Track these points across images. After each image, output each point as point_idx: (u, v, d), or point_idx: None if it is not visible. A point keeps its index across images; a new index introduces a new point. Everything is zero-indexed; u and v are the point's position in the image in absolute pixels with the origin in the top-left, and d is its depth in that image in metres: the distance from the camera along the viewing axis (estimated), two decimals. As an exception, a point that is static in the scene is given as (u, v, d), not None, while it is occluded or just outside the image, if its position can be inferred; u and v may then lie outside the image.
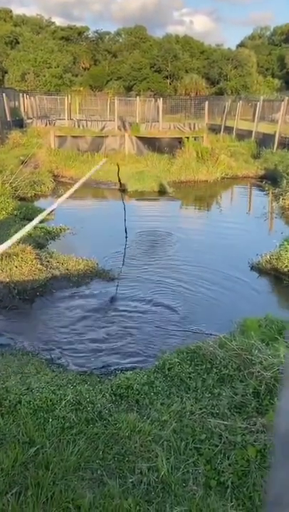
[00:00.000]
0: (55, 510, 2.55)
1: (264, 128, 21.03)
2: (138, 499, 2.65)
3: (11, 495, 2.64)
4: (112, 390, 3.77)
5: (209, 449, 3.05)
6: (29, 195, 12.32)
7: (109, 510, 2.56)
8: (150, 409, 3.52)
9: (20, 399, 3.52)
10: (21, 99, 29.81)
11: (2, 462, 2.86)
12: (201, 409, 3.47)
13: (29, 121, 26.08)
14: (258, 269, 7.47)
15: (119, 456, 3.00)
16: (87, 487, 2.76)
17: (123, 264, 7.45)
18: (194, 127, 23.36)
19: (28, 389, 3.76)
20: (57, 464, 2.88)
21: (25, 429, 3.17)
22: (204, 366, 4.06)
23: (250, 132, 21.49)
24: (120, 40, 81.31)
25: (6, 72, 66.92)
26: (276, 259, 7.30)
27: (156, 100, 30.21)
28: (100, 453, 3.01)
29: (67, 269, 7.06)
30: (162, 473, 2.84)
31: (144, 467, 2.89)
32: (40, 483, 2.72)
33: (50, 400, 3.53)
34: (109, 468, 2.91)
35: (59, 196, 13.27)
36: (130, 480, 2.81)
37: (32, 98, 33.02)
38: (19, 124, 25.13)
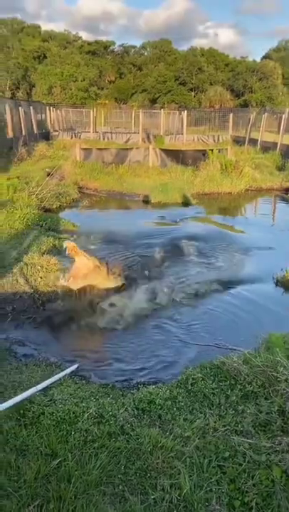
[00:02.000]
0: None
1: (289, 140, 20.89)
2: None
3: (33, 507, 2.65)
4: (134, 404, 3.75)
5: (233, 467, 3.00)
6: (54, 206, 12.51)
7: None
8: (173, 424, 3.48)
9: (43, 410, 3.54)
10: (48, 112, 30.49)
11: (25, 474, 2.88)
12: (224, 426, 3.42)
13: (55, 133, 26.63)
14: (282, 284, 7.36)
15: (141, 472, 2.97)
16: (108, 502, 2.74)
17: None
18: (218, 139, 23.40)
19: (51, 400, 3.78)
20: (79, 477, 2.88)
21: (48, 441, 3.18)
22: (228, 382, 4.00)
23: (275, 144, 21.37)
24: (145, 54, 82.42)
25: (33, 86, 68.60)
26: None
27: (180, 113, 30.41)
28: (122, 468, 2.99)
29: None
30: (185, 490, 2.80)
31: (167, 484, 2.86)
32: (62, 496, 2.72)
33: (73, 413, 3.54)
34: (131, 483, 2.89)
35: (83, 207, 13.51)
36: (152, 497, 2.78)
37: (58, 111, 33.75)
38: (45, 136, 25.70)
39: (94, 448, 3.16)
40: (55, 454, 3.08)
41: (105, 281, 6.34)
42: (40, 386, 3.58)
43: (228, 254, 9.03)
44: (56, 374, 4.02)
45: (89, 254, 6.38)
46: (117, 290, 6.63)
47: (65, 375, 4.11)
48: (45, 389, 3.88)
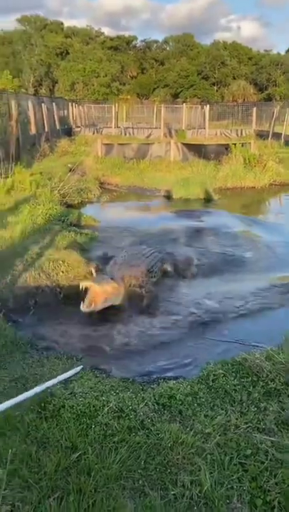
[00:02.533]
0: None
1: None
2: None
3: (53, 499, 2.65)
4: (154, 398, 3.73)
5: (255, 465, 2.94)
6: (76, 201, 12.57)
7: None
8: (193, 420, 3.44)
9: (63, 403, 3.55)
10: (70, 108, 30.64)
11: (45, 466, 2.89)
12: (246, 423, 3.36)
13: (77, 129, 26.77)
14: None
15: (161, 467, 2.95)
16: (128, 496, 2.73)
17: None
18: (241, 133, 23.10)
19: (71, 393, 3.79)
20: (99, 471, 2.87)
21: (68, 434, 3.19)
22: (250, 379, 3.94)
23: (299, 138, 20.97)
24: (168, 48, 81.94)
25: (56, 82, 69.11)
26: None
27: (202, 107, 30.13)
28: (142, 463, 2.98)
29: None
30: (205, 487, 2.76)
31: (187, 480, 2.83)
32: (82, 489, 2.72)
33: (93, 406, 3.54)
34: (150, 478, 2.87)
35: (104, 202, 13.54)
36: (172, 492, 2.75)
37: (80, 107, 33.90)
38: (68, 132, 25.85)
39: (114, 442, 3.15)
40: (75, 447, 3.08)
41: (125, 297, 6.24)
42: (38, 388, 3.57)
43: (254, 250, 8.90)
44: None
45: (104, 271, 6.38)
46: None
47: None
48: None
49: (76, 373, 4.20)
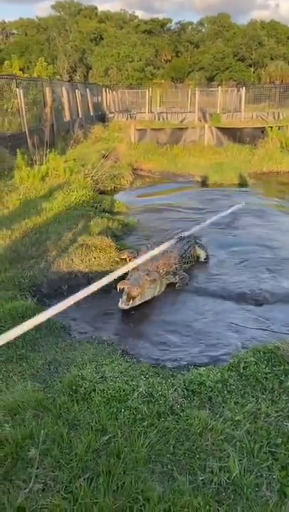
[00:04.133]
0: (125, 500, 2.58)
1: None
2: (208, 498, 2.59)
3: (84, 480, 2.72)
4: (184, 384, 3.73)
5: (285, 454, 2.91)
6: (109, 188, 12.62)
7: (179, 506, 2.53)
8: (223, 407, 3.43)
9: (94, 387, 3.61)
10: (104, 93, 30.60)
11: (76, 447, 2.96)
12: (277, 411, 3.32)
13: (111, 115, 26.73)
14: None
15: (190, 453, 2.96)
16: (156, 480, 2.76)
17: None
18: (279, 116, 22.41)
19: (102, 377, 3.84)
20: (128, 454, 2.91)
21: (99, 417, 3.24)
22: (282, 367, 3.87)
23: None
24: (203, 30, 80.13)
25: (90, 68, 69.10)
26: None
27: (238, 90, 29.40)
28: (171, 448, 2.99)
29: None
30: (234, 474, 2.75)
31: (216, 466, 2.83)
32: (112, 471, 2.76)
33: (124, 390, 3.58)
34: (179, 463, 2.89)
35: (137, 189, 13.50)
36: (201, 478, 2.76)
37: (114, 92, 33.80)
38: (101, 118, 25.87)
39: (143, 426, 3.18)
40: (105, 430, 3.13)
41: (162, 288, 6.29)
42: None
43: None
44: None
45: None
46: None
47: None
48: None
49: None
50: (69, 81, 45.84)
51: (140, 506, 2.56)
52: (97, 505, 2.53)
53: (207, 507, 2.54)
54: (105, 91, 31.15)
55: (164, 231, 8.14)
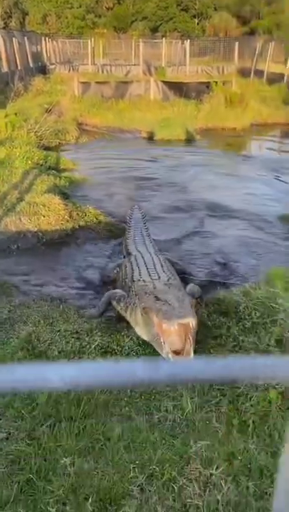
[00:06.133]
0: (87, 441, 2.75)
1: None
2: (164, 434, 2.83)
3: (46, 426, 2.85)
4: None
5: (232, 390, 3.19)
6: (54, 144, 12.23)
7: (137, 442, 2.75)
8: (176, 353, 3.65)
9: (51, 342, 3.71)
10: (43, 43, 28.87)
11: (37, 398, 3.07)
12: (225, 355, 3.59)
13: (52, 66, 25.37)
14: (286, 221, 7.38)
15: (146, 395, 3.17)
16: (116, 421, 2.95)
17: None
18: (223, 71, 22.33)
19: (58, 333, 3.94)
20: (87, 401, 3.08)
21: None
22: (229, 315, 4.14)
23: (282, 76, 20.35)
24: (146, -24, 76.47)
25: (26, 14, 64.47)
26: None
27: (183, 42, 28.79)
28: (128, 391, 3.19)
29: (91, 221, 7.08)
30: (187, 411, 3.00)
31: (170, 405, 3.06)
32: (73, 417, 2.92)
33: (80, 344, 3.71)
34: (136, 405, 3.10)
35: (83, 145, 13.17)
36: (156, 417, 2.99)
37: (54, 42, 31.96)
38: (42, 70, 24.51)
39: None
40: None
41: None
42: None
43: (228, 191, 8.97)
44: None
45: None
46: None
47: None
48: None
49: None
50: (4, 28, 42.64)
51: (101, 445, 2.75)
52: (61, 448, 2.69)
53: (163, 441, 2.77)
54: (45, 40, 29.35)
55: (112, 192, 8.19)
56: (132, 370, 0.54)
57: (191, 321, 3.47)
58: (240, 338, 3.79)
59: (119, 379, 0.54)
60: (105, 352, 3.61)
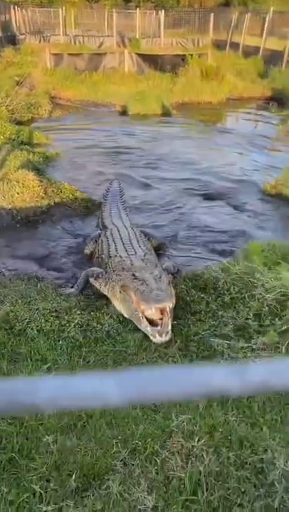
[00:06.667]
0: (69, 419, 2.75)
1: (273, 44, 19.61)
2: (145, 409, 2.85)
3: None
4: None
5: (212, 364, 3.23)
6: (26, 118, 11.86)
7: (119, 418, 2.76)
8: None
9: (29, 321, 3.66)
10: (12, 12, 27.65)
11: (18, 376, 3.04)
12: (204, 330, 3.62)
13: (22, 37, 24.43)
14: (263, 194, 7.42)
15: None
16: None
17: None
18: (198, 43, 21.96)
19: (36, 311, 3.89)
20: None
21: (37, 348, 3.33)
22: (207, 291, 4.16)
23: (257, 49, 20.12)
24: None
25: (-7, -19, 61.46)
26: (281, 184, 7.21)
27: (157, 13, 28.05)
28: (109, 368, 3.19)
29: (67, 197, 6.94)
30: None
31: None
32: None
33: (59, 323, 3.68)
34: (117, 382, 3.10)
35: (56, 119, 12.80)
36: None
37: (24, 11, 30.65)
38: (11, 40, 23.54)
39: (82, 352, 3.33)
40: (45, 360, 3.24)
41: None
42: None
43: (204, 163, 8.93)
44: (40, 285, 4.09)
45: None
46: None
47: None
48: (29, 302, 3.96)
49: None
50: None
51: (83, 423, 2.75)
52: (43, 426, 2.68)
53: (145, 416, 2.80)
54: (14, 9, 28.09)
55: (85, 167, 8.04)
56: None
57: (169, 305, 3.56)
58: (220, 313, 3.82)
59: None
60: (85, 330, 3.59)
